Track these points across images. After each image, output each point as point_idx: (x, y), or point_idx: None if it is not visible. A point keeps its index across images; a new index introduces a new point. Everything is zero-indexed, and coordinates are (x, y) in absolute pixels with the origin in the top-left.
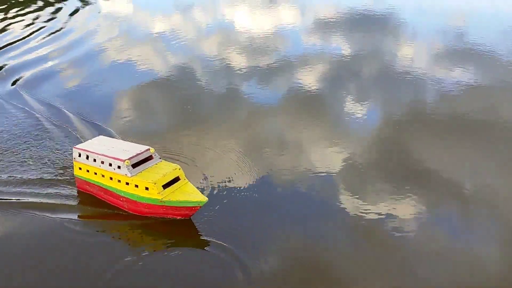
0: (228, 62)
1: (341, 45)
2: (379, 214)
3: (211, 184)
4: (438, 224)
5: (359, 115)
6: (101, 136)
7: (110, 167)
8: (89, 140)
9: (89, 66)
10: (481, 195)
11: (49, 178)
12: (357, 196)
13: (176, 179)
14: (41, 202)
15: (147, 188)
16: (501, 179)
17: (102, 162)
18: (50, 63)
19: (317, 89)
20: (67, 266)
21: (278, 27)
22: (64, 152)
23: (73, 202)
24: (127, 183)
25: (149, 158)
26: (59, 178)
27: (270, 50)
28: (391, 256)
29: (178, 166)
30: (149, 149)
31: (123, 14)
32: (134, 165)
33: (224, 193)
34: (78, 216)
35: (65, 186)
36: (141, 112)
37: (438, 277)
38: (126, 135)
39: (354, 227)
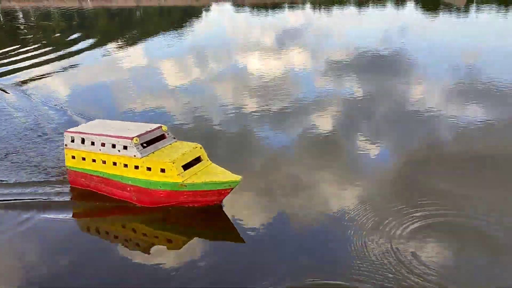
0: (240, 106)
1: (353, 87)
2: (397, 256)
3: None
4: (459, 269)
5: (373, 156)
6: (98, 120)
7: (113, 149)
8: (84, 124)
9: (98, 109)
10: (507, 237)
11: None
12: (372, 238)
13: (198, 160)
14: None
15: (163, 170)
16: None
17: (103, 145)
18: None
19: (329, 131)
20: (61, 272)
21: (288, 71)
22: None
23: (67, 198)
24: (136, 167)
25: (161, 137)
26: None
27: (282, 94)
28: None
29: (199, 145)
30: (161, 127)
31: (136, 61)
32: (144, 145)
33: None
34: (73, 214)
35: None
36: None
37: None
38: None
39: (369, 269)
